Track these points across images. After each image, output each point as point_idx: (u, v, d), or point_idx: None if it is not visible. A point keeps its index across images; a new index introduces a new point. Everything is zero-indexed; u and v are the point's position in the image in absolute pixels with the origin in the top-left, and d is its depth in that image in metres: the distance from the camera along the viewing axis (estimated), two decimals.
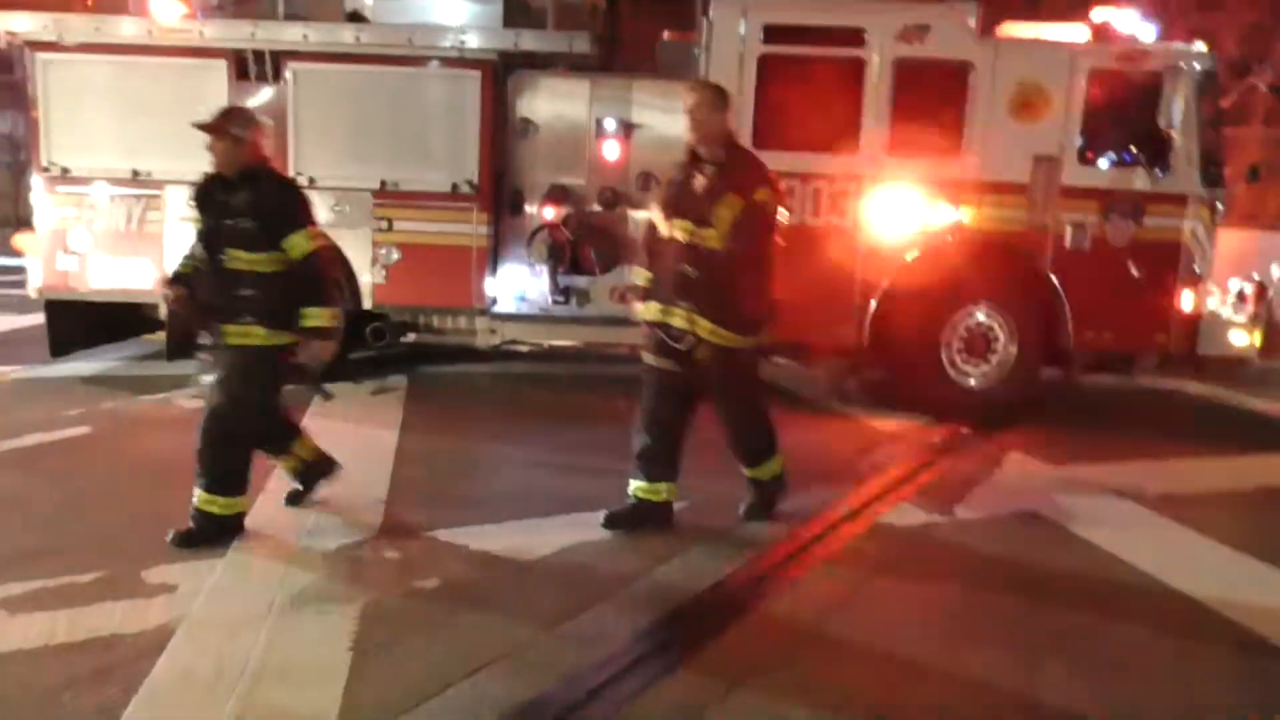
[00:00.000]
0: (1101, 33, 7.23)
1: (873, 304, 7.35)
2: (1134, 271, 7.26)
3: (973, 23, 7.20)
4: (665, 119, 7.62)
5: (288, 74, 7.56)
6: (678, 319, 4.62)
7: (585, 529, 4.81)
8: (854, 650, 3.72)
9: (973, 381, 7.47)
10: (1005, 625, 4.00)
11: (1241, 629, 3.98)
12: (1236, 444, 7.30)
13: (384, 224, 7.65)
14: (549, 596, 4.03)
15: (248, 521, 4.71)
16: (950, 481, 5.89)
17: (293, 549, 4.46)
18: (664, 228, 4.68)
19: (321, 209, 7.59)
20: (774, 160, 7.08)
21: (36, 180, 7.78)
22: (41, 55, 7.60)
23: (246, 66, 7.55)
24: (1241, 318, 7.44)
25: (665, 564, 4.39)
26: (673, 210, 4.65)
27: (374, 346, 8.14)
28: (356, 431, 6.57)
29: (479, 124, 7.53)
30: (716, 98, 4.65)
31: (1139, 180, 7.20)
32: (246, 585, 4.08)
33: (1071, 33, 7.31)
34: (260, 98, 7.57)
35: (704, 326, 4.56)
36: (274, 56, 7.52)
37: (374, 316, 7.91)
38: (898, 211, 7.28)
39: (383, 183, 7.61)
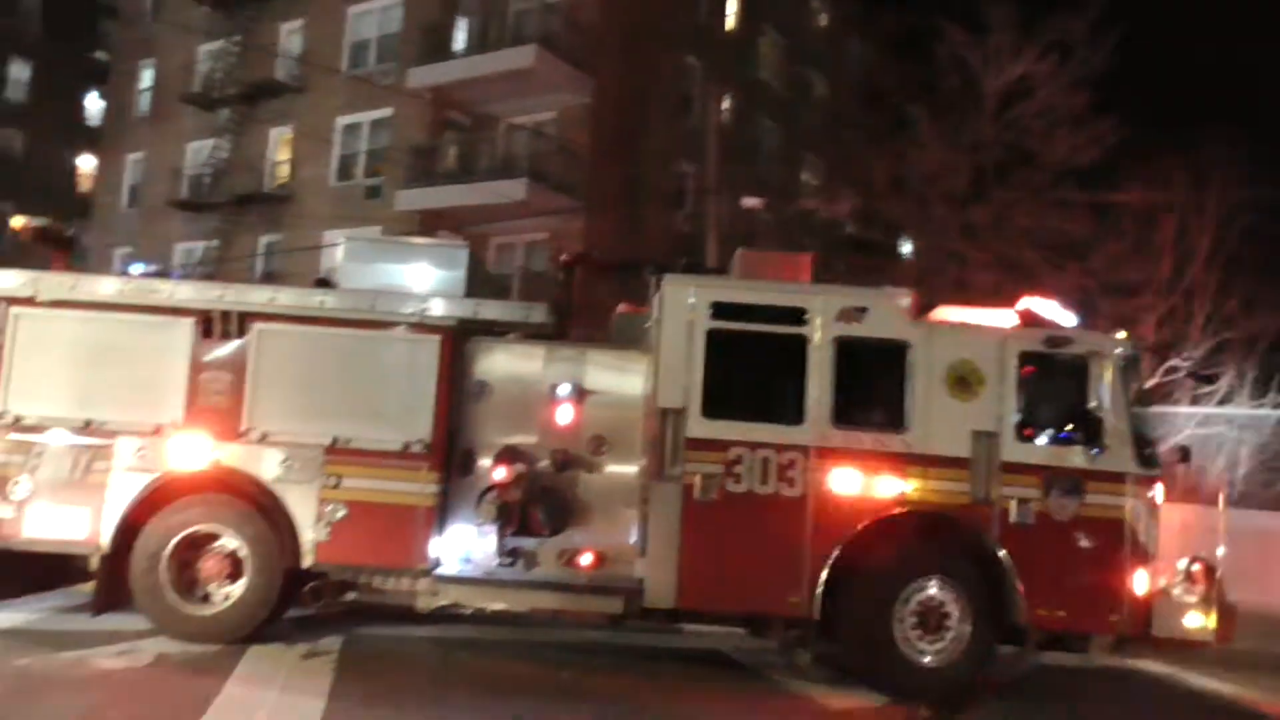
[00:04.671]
0: (1027, 318, 7.69)
1: (823, 574, 7.26)
2: (1081, 548, 7.30)
3: (907, 305, 7.66)
4: (617, 384, 7.87)
5: (252, 333, 7.75)
6: None
7: None
8: None
9: (928, 659, 7.27)
10: None
11: None
12: None
13: (333, 480, 7.58)
14: None
15: None
16: None
17: None
18: None
19: (270, 464, 7.59)
20: (723, 429, 7.40)
21: None
22: (15, 309, 7.77)
23: (212, 324, 7.74)
24: (1193, 598, 7.41)
25: None
26: None
27: (311, 606, 7.83)
28: (280, 700, 6.18)
29: (435, 385, 7.69)
30: None
31: (1076, 458, 7.40)
32: None
33: (1000, 317, 7.78)
34: (222, 353, 7.73)
35: None
36: (240, 316, 7.75)
37: (312, 575, 7.66)
38: (845, 483, 7.37)
39: (335, 439, 7.62)
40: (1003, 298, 8.35)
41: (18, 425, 7.64)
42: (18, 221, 8.35)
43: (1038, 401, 7.56)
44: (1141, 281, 18.52)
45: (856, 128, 22.91)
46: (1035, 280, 12.75)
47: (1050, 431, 7.52)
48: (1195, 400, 16.44)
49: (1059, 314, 7.83)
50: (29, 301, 7.76)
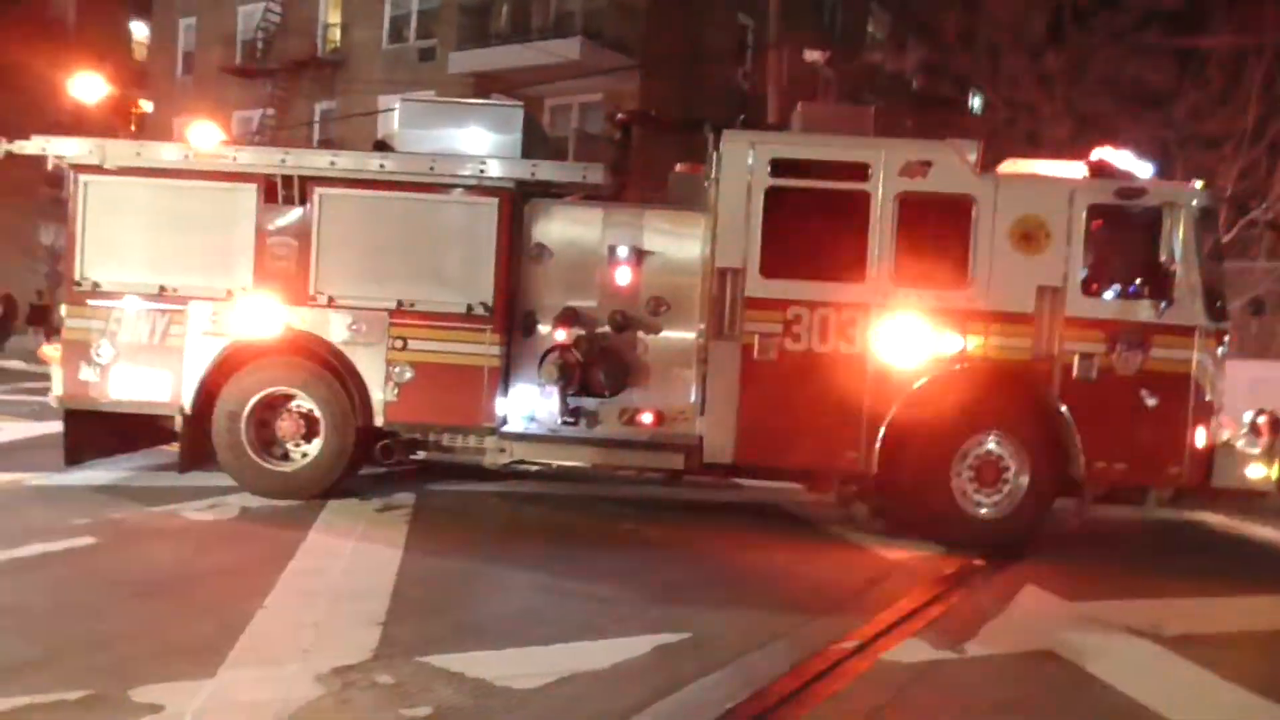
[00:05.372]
0: (1099, 170, 7.42)
1: (881, 430, 7.34)
2: (1144, 403, 7.25)
3: (973, 158, 7.43)
4: (676, 245, 7.84)
5: (314, 198, 7.83)
6: None
7: (585, 658, 4.72)
8: None
9: (984, 511, 7.39)
10: None
11: None
12: (1258, 581, 7.15)
13: (399, 343, 7.78)
14: None
15: (245, 637, 4.69)
16: (961, 616, 5.76)
17: (285, 668, 4.40)
18: None
19: (338, 327, 7.80)
20: (782, 289, 7.38)
21: (67, 293, 8.03)
22: (84, 176, 7.94)
23: (276, 189, 7.83)
24: (1256, 450, 7.38)
25: (664, 699, 4.27)
26: None
27: (383, 464, 8.18)
28: (358, 549, 6.55)
29: (495, 248, 7.74)
30: None
31: (1144, 312, 7.27)
32: (234, 708, 4.02)
33: (1069, 169, 7.51)
34: (287, 219, 7.85)
35: None
36: (302, 181, 7.82)
37: (384, 434, 7.96)
38: (904, 339, 7.35)
39: (399, 302, 7.78)
40: (1076, 151, 8.04)
41: (96, 291, 7.92)
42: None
43: (1106, 255, 7.40)
44: (1223, 132, 17.57)
45: None
46: (1111, 132, 12.15)
47: (1118, 286, 7.37)
48: (1274, 255, 15.81)
49: (1133, 165, 7.54)
50: (97, 169, 7.92)
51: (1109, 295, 7.35)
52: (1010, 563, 6.99)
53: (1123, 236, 7.39)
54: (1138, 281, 7.32)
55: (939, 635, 5.33)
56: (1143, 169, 7.55)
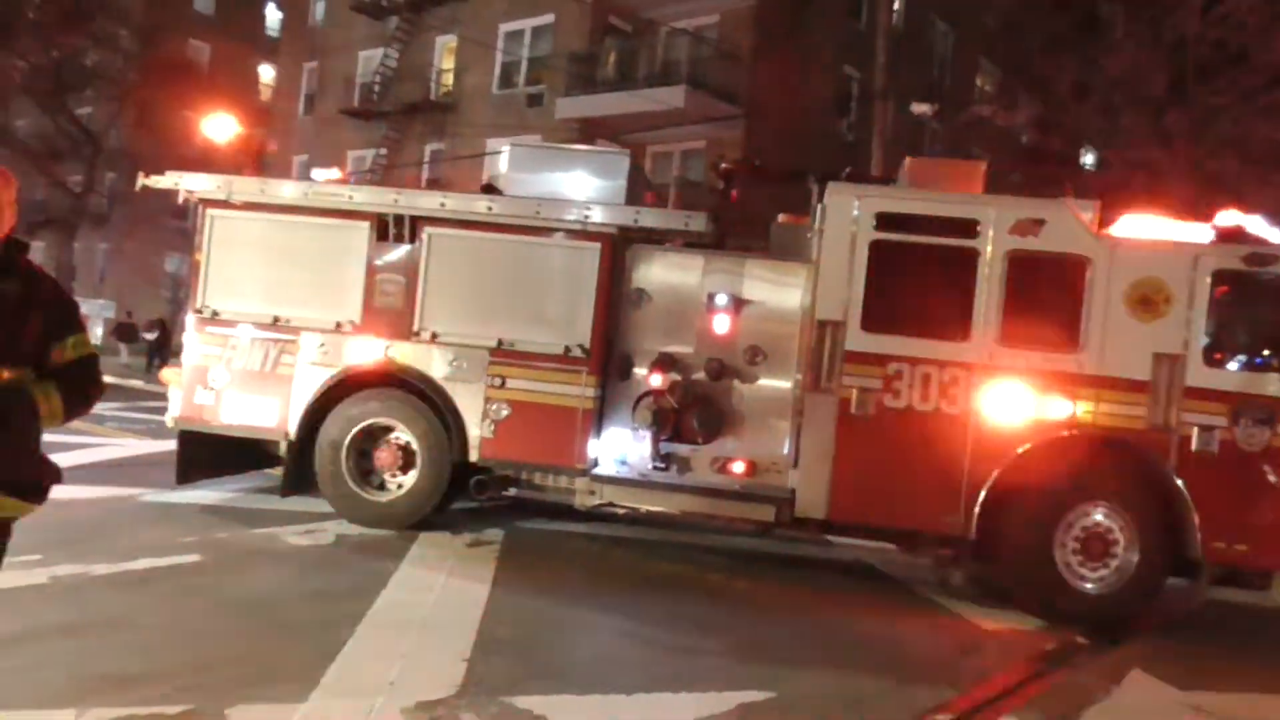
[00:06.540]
0: (1227, 234, 7.11)
1: (981, 495, 7.10)
2: (1270, 482, 6.84)
3: (1089, 218, 7.21)
4: (775, 295, 7.79)
5: (423, 237, 8.08)
6: None
7: (667, 711, 4.65)
8: None
9: (1089, 586, 7.04)
10: None
11: None
12: None
13: (497, 381, 7.90)
14: None
15: (335, 665, 4.77)
16: (1063, 697, 5.47)
17: (372, 699, 4.45)
18: None
19: (440, 363, 7.97)
20: (883, 344, 7.24)
21: (189, 320, 8.43)
22: (211, 210, 8.38)
23: (387, 228, 8.10)
24: None
25: None
26: None
27: (476, 499, 8.28)
28: (448, 583, 6.62)
29: (595, 292, 7.83)
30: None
31: (1273, 386, 6.89)
32: None
33: (1193, 232, 7.22)
34: (396, 256, 8.10)
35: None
36: (412, 220, 8.07)
37: (478, 469, 8.06)
38: (1010, 402, 7.12)
39: (500, 341, 7.92)
40: (1199, 212, 7.72)
41: (215, 319, 8.30)
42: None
43: (1232, 324, 7.06)
44: None
45: (1040, 28, 21.28)
46: (1238, 194, 11.64)
47: (1244, 356, 7.01)
48: None
49: (1263, 230, 7.19)
50: (224, 204, 8.33)
51: (1234, 366, 7.00)
52: (1116, 643, 6.64)
53: (1251, 305, 7.05)
54: (1266, 353, 6.96)
55: (1038, 716, 5.08)
56: (1275, 234, 7.20)
